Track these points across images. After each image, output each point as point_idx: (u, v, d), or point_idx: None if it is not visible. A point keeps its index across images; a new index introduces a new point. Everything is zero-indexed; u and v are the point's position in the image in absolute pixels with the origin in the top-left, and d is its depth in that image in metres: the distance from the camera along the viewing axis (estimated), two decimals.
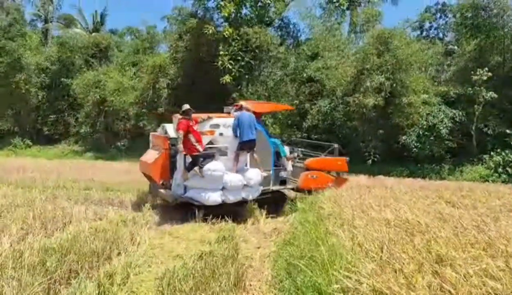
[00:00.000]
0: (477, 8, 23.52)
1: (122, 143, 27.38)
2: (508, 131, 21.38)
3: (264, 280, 4.71)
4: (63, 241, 5.14)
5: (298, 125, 24.06)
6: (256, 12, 24.18)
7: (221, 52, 22.07)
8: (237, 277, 4.35)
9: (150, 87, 25.56)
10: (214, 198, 7.84)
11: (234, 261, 4.88)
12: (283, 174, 9.27)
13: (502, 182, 18.50)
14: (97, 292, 4.01)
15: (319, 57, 25.39)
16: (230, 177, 7.96)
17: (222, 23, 24.47)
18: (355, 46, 28.54)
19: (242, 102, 8.94)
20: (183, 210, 8.14)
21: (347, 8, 29.68)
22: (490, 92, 21.23)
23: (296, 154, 10.20)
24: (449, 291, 2.58)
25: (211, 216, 7.72)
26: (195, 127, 7.82)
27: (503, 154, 20.49)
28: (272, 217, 8.29)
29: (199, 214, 7.81)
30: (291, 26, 29.45)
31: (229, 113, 8.97)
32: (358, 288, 2.79)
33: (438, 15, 33.49)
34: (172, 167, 8.31)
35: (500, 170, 20.11)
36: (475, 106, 21.57)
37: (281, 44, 25.61)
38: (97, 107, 27.44)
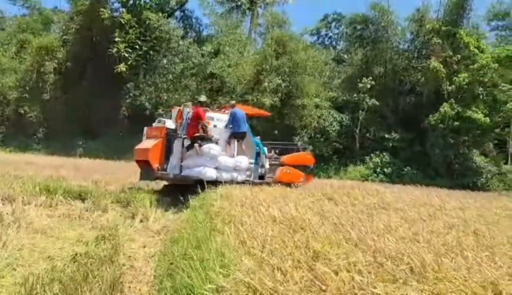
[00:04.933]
0: (366, 21, 25.85)
1: None
2: (386, 135, 23.82)
3: (145, 281, 4.47)
4: None
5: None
6: (156, 1, 23.34)
7: (117, 39, 20.85)
8: (114, 279, 4.04)
9: (34, 71, 23.14)
10: (210, 173, 8.76)
11: (112, 263, 4.54)
12: (261, 170, 10.63)
13: (380, 181, 20.61)
14: None
15: (221, 54, 25.45)
16: (224, 158, 9.16)
17: (119, 8, 23.15)
18: (255, 47, 29.25)
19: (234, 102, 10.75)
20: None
21: (248, 9, 30.22)
22: (373, 100, 23.45)
23: (272, 153, 11.86)
24: (319, 286, 2.66)
25: (89, 213, 7.21)
26: None
27: (381, 155, 22.88)
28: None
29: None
30: (193, 20, 29.09)
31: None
32: (232, 286, 2.75)
33: (333, 24, 36.05)
34: (168, 153, 9.36)
35: (378, 170, 22.42)
36: (360, 111, 23.64)
37: (183, 37, 25.07)
38: None
